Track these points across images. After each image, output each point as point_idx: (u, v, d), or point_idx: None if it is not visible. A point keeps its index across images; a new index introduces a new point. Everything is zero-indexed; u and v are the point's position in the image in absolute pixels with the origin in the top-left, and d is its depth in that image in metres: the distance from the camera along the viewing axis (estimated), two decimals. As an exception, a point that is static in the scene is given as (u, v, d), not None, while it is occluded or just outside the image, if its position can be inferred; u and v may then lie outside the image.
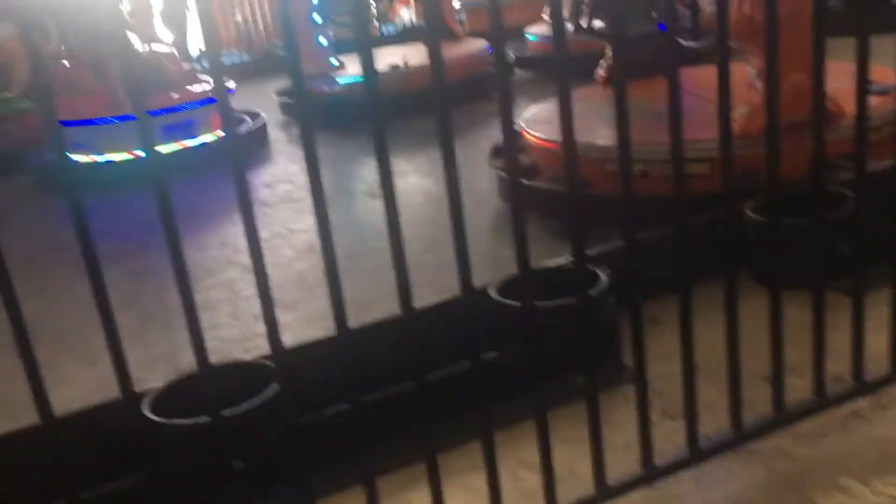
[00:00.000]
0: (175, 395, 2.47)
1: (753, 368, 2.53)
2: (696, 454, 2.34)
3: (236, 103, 7.52)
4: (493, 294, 2.92)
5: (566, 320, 2.33)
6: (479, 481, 2.14)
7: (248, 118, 7.41)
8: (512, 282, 2.90)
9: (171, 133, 6.51)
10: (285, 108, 8.01)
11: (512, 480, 2.48)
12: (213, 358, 2.90)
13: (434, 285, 3.55)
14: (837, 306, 2.59)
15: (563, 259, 3.06)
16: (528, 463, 2.43)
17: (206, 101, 6.71)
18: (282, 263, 4.52)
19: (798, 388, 2.58)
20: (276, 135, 7.63)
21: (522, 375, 2.13)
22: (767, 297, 2.42)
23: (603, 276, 2.90)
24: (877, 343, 2.59)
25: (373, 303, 3.64)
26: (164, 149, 6.34)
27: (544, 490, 2.16)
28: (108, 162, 6.45)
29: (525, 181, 4.29)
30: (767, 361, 2.44)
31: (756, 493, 2.38)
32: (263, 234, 5.52)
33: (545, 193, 4.22)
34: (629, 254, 2.19)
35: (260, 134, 7.24)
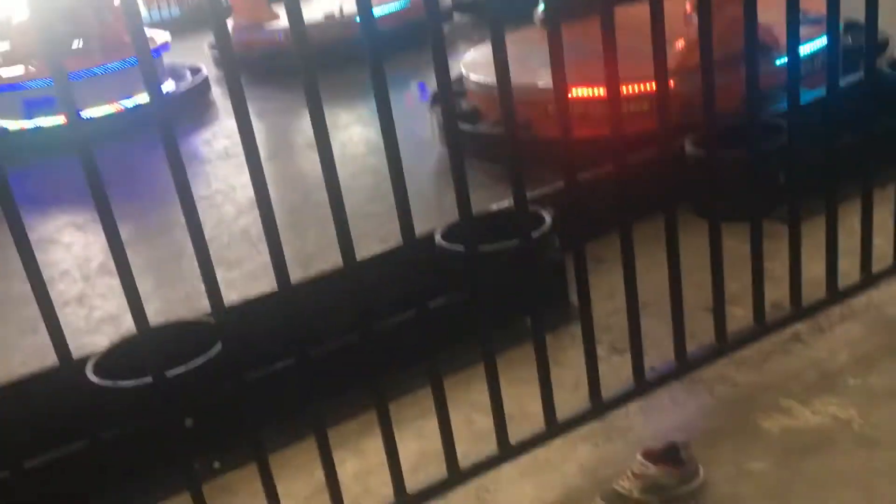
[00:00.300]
0: (121, 358, 2.44)
1: (696, 300, 2.59)
2: (643, 386, 2.39)
3: (178, 58, 7.31)
4: (438, 240, 2.92)
5: (510, 263, 2.34)
6: (432, 426, 2.17)
7: (188, 73, 7.19)
8: (456, 227, 2.90)
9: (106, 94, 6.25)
10: (218, 62, 7.80)
11: (464, 423, 2.51)
12: (158, 318, 2.88)
13: (378, 235, 3.55)
14: (776, 235, 2.65)
15: (506, 202, 3.06)
16: (480, 405, 2.46)
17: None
18: (225, 220, 4.45)
19: (739, 317, 2.64)
20: (218, 90, 7.43)
21: (470, 320, 2.14)
22: (708, 230, 2.46)
23: (546, 218, 2.92)
24: (814, 269, 2.66)
25: (317, 255, 3.63)
26: (97, 111, 6.13)
27: (496, 430, 2.19)
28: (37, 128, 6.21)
29: (466, 126, 4.27)
30: (709, 293, 2.49)
31: (701, 419, 2.45)
32: (204, 191, 5.47)
33: (487, 138, 4.20)
34: (571, 194, 2.20)
35: (201, 89, 7.03)
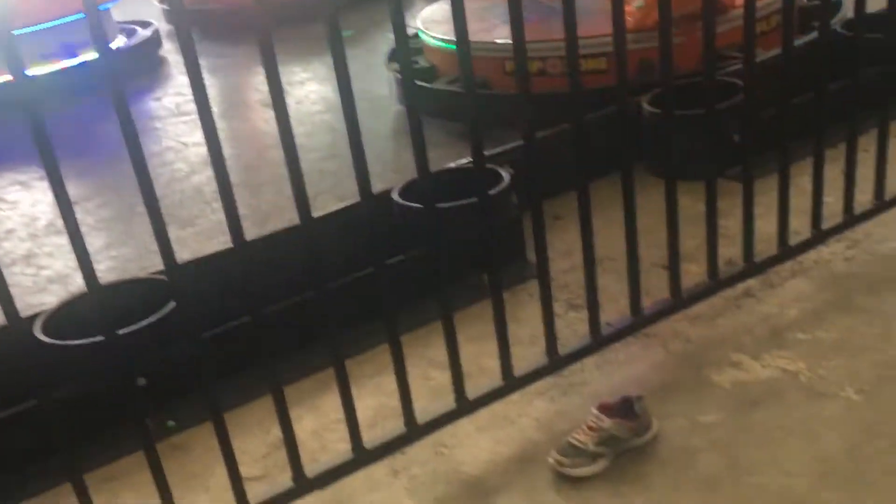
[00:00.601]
0: (70, 317, 2.39)
1: (652, 258, 2.62)
2: (598, 341, 2.42)
3: (127, 13, 7.07)
4: (396, 197, 2.90)
5: (468, 220, 2.33)
6: (389, 383, 2.17)
7: (137, 28, 6.98)
8: (414, 185, 2.88)
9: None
10: (168, 16, 7.58)
11: (422, 380, 2.52)
12: (109, 277, 2.82)
13: (335, 193, 3.52)
14: (730, 194, 2.68)
15: (464, 160, 3.05)
16: (437, 362, 2.48)
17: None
18: (177, 178, 4.36)
19: (694, 273, 2.67)
20: (170, 45, 7.23)
21: (427, 278, 2.13)
22: (664, 188, 2.48)
23: (504, 176, 2.91)
24: (766, 226, 2.70)
25: (273, 215, 3.59)
26: (44, 69, 5.91)
27: (453, 385, 2.20)
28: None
29: (424, 83, 4.22)
30: (665, 251, 2.52)
31: (654, 373, 2.49)
32: (155, 148, 5.36)
33: (444, 95, 4.16)
34: (528, 152, 2.19)
35: (152, 45, 6.82)
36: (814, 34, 3.08)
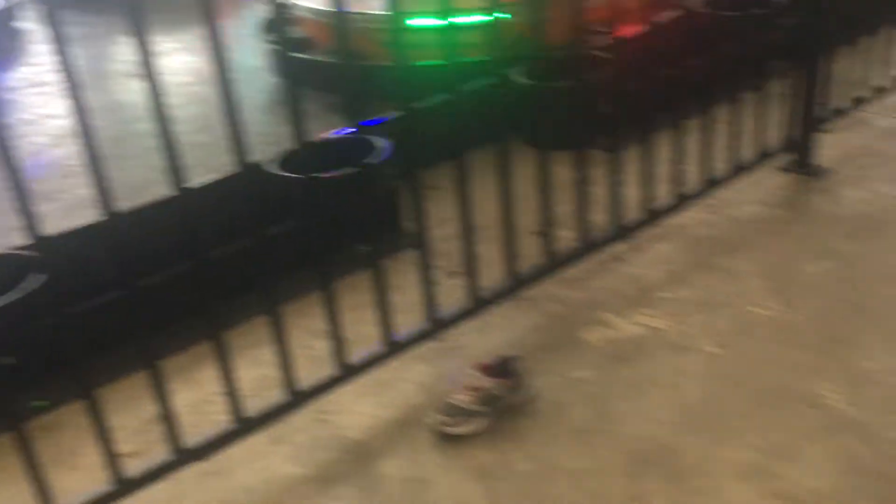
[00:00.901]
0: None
1: (527, 225, 2.70)
2: (477, 304, 2.48)
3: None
4: (271, 168, 2.87)
5: (345, 191, 2.34)
6: (269, 354, 2.16)
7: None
8: (290, 155, 2.86)
9: None
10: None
11: (303, 350, 2.50)
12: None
13: (208, 165, 3.43)
14: (603, 163, 2.79)
15: (338, 131, 3.04)
16: (318, 332, 2.47)
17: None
18: (35, 152, 4.14)
19: (567, 239, 2.78)
20: (27, 14, 6.80)
21: (306, 248, 2.13)
22: (536, 157, 2.56)
23: (380, 146, 2.92)
24: (632, 193, 2.83)
25: (142, 188, 3.46)
26: None
27: (333, 351, 2.21)
28: None
29: (299, 54, 4.16)
30: (539, 218, 2.60)
31: (530, 334, 2.59)
32: (8, 120, 5.01)
33: (319, 66, 4.12)
34: (404, 122, 2.22)
35: (4, 15, 6.39)
36: (677, 11, 3.23)
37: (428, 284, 2.36)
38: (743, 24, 2.94)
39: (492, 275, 2.62)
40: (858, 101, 3.41)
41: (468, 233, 2.40)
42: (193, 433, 2.18)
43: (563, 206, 2.76)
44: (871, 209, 3.00)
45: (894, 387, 2.21)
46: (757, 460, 2.04)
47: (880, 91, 3.50)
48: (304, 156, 2.06)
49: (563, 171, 2.69)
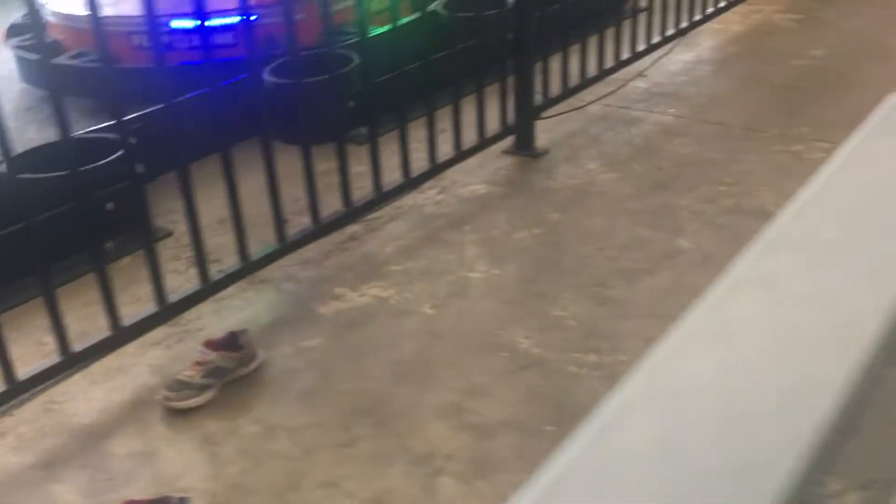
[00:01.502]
0: None
1: (264, 215, 2.84)
2: (208, 286, 2.60)
3: None
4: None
5: (65, 193, 2.39)
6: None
7: None
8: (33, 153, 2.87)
9: None
10: None
11: (34, 346, 2.55)
12: None
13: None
14: (354, 154, 3.00)
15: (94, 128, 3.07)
16: (49, 328, 2.51)
17: None
18: None
19: (306, 223, 2.95)
20: None
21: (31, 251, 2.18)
22: (261, 148, 2.71)
23: (116, 147, 2.97)
24: (365, 179, 3.05)
25: None
26: None
27: (56, 339, 2.27)
28: None
29: (49, 59, 4.09)
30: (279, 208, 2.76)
31: (267, 311, 2.75)
32: None
33: (72, 70, 4.08)
34: (151, 122, 2.33)
35: None
36: (419, 13, 3.51)
37: (154, 266, 2.46)
38: (475, 24, 3.29)
39: (234, 261, 2.75)
40: (573, 91, 3.82)
41: (193, 218, 2.53)
42: None
43: (303, 195, 2.93)
44: (578, 182, 3.38)
45: (576, 329, 2.55)
46: (456, 400, 2.30)
47: (593, 80, 3.94)
48: (69, 150, 2.14)
49: (298, 162, 2.86)
